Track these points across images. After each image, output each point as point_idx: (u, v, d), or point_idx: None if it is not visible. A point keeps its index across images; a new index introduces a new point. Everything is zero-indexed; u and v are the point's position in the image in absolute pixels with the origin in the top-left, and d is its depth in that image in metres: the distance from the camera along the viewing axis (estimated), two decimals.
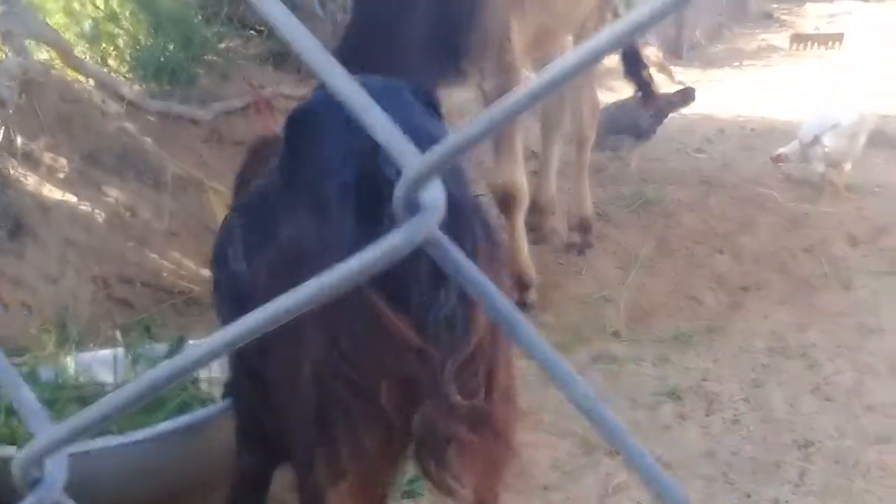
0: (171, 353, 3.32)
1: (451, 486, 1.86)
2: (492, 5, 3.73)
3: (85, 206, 4.46)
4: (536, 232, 5.25)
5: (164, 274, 4.54)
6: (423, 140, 1.59)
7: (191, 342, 3.40)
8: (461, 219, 1.77)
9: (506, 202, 4.25)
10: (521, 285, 4.50)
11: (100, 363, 3.24)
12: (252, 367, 2.22)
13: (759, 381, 3.92)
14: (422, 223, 0.54)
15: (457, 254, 0.56)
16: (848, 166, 6.02)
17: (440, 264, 0.57)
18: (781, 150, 6.25)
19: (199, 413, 2.82)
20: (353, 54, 3.38)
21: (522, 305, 4.42)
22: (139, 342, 3.41)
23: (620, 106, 6.37)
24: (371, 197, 1.75)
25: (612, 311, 4.59)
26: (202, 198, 4.86)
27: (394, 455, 1.93)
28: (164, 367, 0.58)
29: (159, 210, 4.66)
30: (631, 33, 0.50)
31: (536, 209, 5.23)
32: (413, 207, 0.54)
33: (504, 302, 0.57)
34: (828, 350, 4.13)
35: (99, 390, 3.09)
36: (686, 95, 6.33)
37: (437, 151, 0.53)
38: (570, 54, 0.51)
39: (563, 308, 4.60)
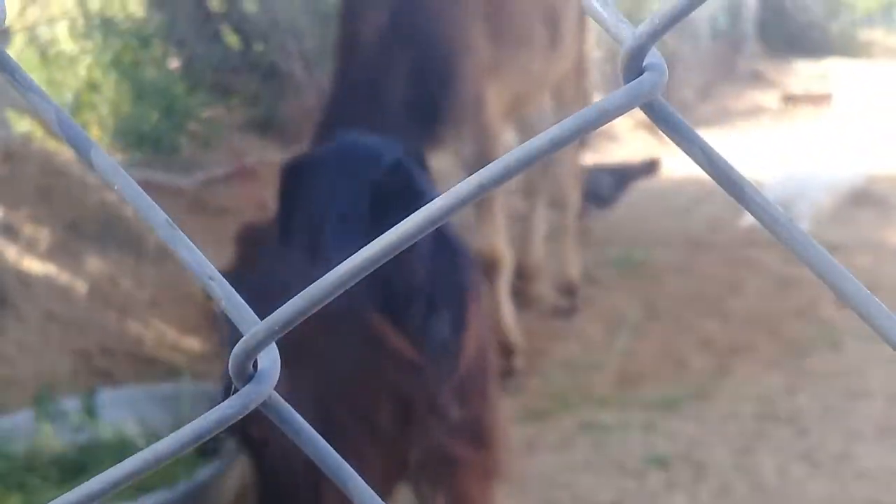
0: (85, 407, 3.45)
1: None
2: (468, 72, 3.77)
3: (66, 278, 4.44)
4: (523, 296, 5.22)
5: (146, 344, 4.50)
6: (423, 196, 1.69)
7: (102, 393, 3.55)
8: (459, 259, 1.91)
9: (488, 267, 4.24)
10: (507, 351, 4.47)
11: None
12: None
13: (748, 448, 3.87)
14: (258, 391, 0.56)
15: (296, 417, 0.58)
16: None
17: (279, 426, 0.57)
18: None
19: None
20: (337, 119, 3.41)
21: (509, 372, 4.38)
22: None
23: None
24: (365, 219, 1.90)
25: (599, 376, 4.55)
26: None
27: (394, 475, 2.02)
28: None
29: (141, 280, 4.64)
30: (597, 120, 0.53)
31: (523, 274, 5.21)
32: (248, 375, 0.56)
33: (342, 466, 0.58)
34: (817, 414, 4.09)
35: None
36: (651, 166, 6.31)
37: (273, 319, 0.56)
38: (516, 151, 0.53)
39: (550, 373, 4.56)
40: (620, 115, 0.54)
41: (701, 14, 12.49)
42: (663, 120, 0.55)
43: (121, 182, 0.60)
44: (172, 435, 0.56)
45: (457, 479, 2.07)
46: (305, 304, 0.56)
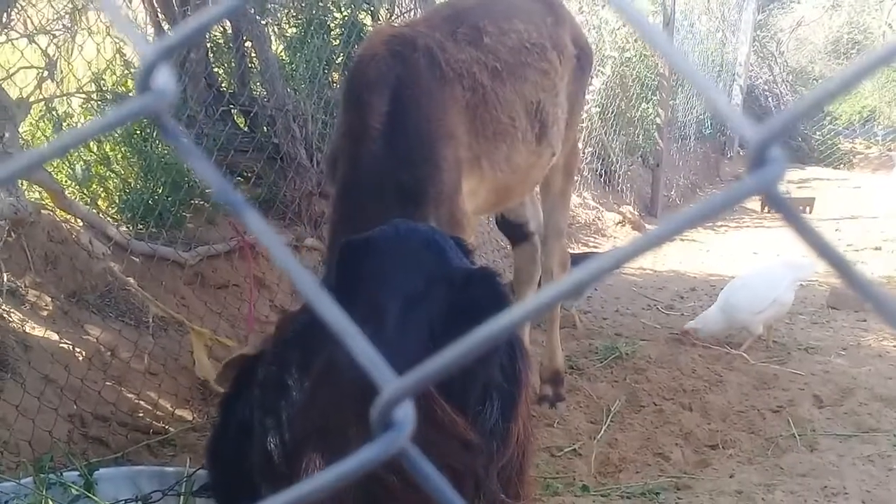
0: (84, 482, 3.57)
1: None
2: (447, 159, 3.90)
3: (66, 345, 4.53)
4: None
5: (140, 414, 4.58)
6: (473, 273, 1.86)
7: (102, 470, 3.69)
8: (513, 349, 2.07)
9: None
10: (557, 380, 5.21)
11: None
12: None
13: None
14: (395, 438, 0.64)
15: (426, 465, 0.66)
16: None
17: (412, 472, 0.66)
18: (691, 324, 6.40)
19: None
20: (350, 210, 3.63)
21: (559, 396, 5.19)
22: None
23: None
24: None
25: (582, 464, 4.65)
26: (183, 339, 4.95)
27: None
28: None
29: (139, 350, 4.73)
30: (725, 204, 0.62)
31: None
32: (387, 424, 0.65)
33: None
34: None
35: None
36: None
37: (412, 377, 0.64)
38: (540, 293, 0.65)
39: (535, 461, 4.64)
40: (744, 200, 0.64)
41: (689, 118, 12.81)
42: (780, 207, 0.63)
43: (273, 246, 0.71)
44: (316, 476, 0.66)
45: None
46: (439, 366, 0.65)
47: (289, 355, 2.34)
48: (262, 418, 2.34)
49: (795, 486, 4.41)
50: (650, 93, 11.35)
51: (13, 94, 4.59)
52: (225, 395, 2.85)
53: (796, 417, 5.15)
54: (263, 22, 6.03)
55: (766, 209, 11.78)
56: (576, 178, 9.46)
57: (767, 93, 15.87)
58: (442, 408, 2.03)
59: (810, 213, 11.55)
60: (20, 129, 4.72)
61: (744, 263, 8.69)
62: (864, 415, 5.18)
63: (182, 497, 3.47)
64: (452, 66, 4.08)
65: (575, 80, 4.93)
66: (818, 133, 15.84)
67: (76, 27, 5.14)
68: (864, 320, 7.07)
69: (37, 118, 5.21)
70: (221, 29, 6.19)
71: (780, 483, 4.45)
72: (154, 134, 5.34)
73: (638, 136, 11.29)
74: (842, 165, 15.34)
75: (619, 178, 10.65)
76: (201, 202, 5.54)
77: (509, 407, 2.15)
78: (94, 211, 5.11)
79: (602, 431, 4.97)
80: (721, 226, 10.95)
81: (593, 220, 9.61)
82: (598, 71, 9.98)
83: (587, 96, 9.72)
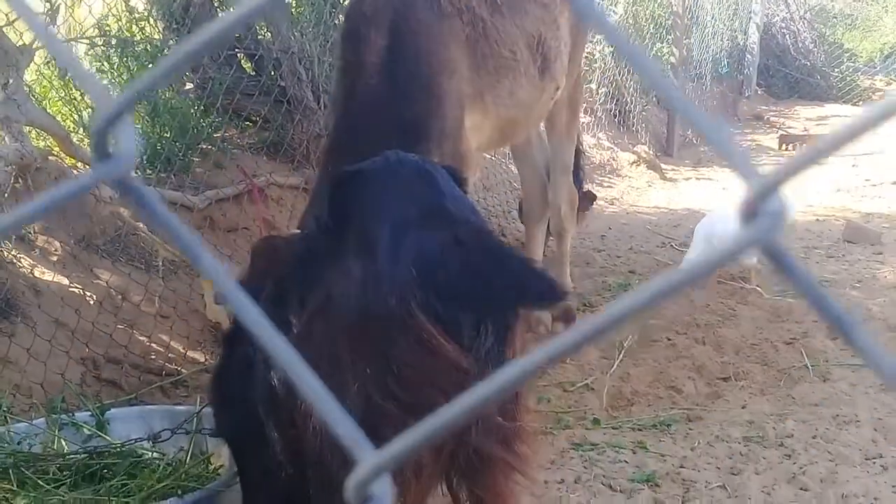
0: (96, 422, 3.61)
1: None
2: (450, 94, 3.86)
3: (76, 289, 4.55)
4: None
5: (153, 356, 4.61)
6: (467, 208, 1.86)
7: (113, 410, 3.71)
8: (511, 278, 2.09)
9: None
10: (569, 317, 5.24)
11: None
12: (268, 417, 2.35)
13: (736, 469, 3.97)
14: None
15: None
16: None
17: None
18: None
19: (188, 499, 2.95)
20: (346, 138, 3.60)
21: None
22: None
23: None
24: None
25: (593, 398, 4.66)
26: (194, 282, 4.97)
27: (436, 472, 2.17)
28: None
29: (150, 293, 4.75)
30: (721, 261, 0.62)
31: None
32: (365, 499, 0.63)
33: None
34: (804, 440, 4.18)
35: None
36: (586, 198, 6.29)
37: (389, 452, 0.64)
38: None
39: (547, 395, 4.66)
40: (741, 253, 0.62)
41: (704, 56, 12.67)
42: (778, 261, 0.62)
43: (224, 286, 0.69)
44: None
45: (489, 476, 2.25)
46: (417, 439, 0.64)
47: (287, 289, 2.33)
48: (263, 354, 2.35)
49: (807, 416, 4.41)
50: (664, 32, 11.22)
51: (15, 40, 4.58)
52: (228, 331, 2.86)
53: (809, 349, 5.13)
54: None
55: (783, 147, 11.67)
56: (590, 118, 9.43)
57: (785, 30, 15.65)
58: (432, 334, 2.04)
59: None
60: (24, 76, 4.71)
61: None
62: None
63: (191, 435, 3.48)
64: (451, 1, 4.03)
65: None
66: (837, 70, 15.63)
67: None
68: (881, 253, 7.03)
69: (41, 63, 5.20)
70: None
71: (791, 413, 4.45)
72: None
73: None
74: (861, 102, 15.13)
75: (633, 118, 10.57)
76: (209, 146, 5.53)
77: (504, 333, 2.15)
78: None
79: (615, 366, 4.97)
80: None
81: (608, 160, 9.55)
82: (610, 10, 9.87)
83: (599, 36, 9.64)
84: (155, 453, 3.50)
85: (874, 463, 3.99)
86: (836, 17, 17.58)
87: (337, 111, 3.79)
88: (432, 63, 3.87)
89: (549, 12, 4.58)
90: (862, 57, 16.40)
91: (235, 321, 2.79)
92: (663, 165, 10.17)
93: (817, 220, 8.08)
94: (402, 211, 2.19)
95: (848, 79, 15.49)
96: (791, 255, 0.62)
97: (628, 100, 10.45)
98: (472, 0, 4.15)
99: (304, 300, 2.25)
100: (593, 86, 9.62)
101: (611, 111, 10.25)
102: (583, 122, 9.29)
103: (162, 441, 3.53)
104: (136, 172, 5.10)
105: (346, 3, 6.35)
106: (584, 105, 9.28)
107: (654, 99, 11.31)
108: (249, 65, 6.14)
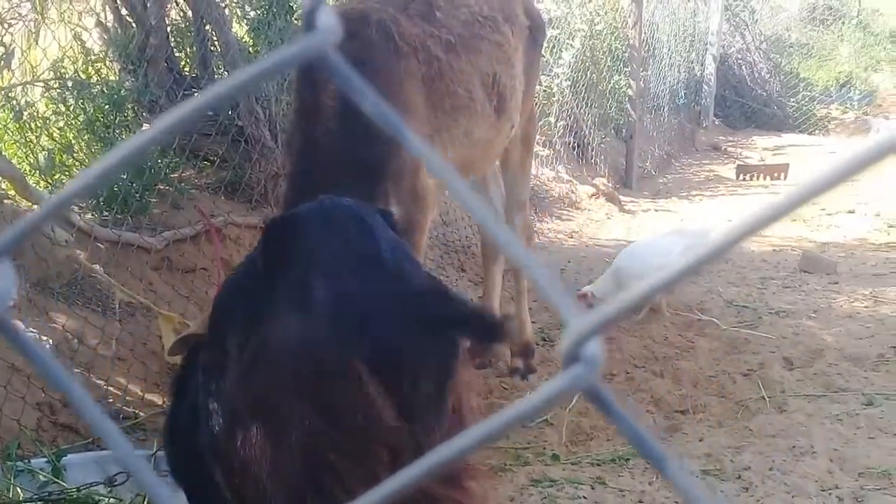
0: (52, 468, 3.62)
1: None
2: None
3: (33, 333, 4.52)
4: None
5: (110, 399, 4.58)
6: (402, 254, 1.88)
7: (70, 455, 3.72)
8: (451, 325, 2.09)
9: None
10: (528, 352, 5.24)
11: None
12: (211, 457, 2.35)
13: None
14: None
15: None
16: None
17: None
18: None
19: None
20: (304, 185, 3.60)
21: (530, 369, 5.26)
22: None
23: None
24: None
25: (553, 434, 4.67)
26: (151, 324, 4.94)
27: None
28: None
29: (107, 336, 4.73)
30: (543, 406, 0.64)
31: None
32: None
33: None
34: (762, 472, 4.21)
35: None
36: None
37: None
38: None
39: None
40: (562, 398, 0.65)
41: (661, 88, 12.81)
42: (598, 402, 0.65)
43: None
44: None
45: None
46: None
47: (226, 338, 2.34)
48: (205, 400, 2.36)
49: (764, 447, 4.45)
50: (621, 64, 11.33)
51: None
52: (176, 376, 2.85)
53: (766, 380, 5.19)
54: (223, 4, 6.01)
55: (741, 177, 11.80)
56: (548, 151, 9.49)
57: (741, 61, 15.86)
58: (369, 385, 2.05)
59: (784, 179, 11.57)
60: None
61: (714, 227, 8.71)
62: (834, 375, 5.22)
63: None
64: (407, 41, 4.06)
65: (529, 51, 4.93)
66: (793, 100, 15.84)
67: (33, 15, 5.12)
68: (836, 283, 7.12)
69: None
70: (181, 13, 6.17)
71: (748, 445, 4.49)
72: (116, 120, 5.32)
73: (610, 109, 11.27)
74: (817, 131, 15.34)
75: (592, 150, 10.64)
76: (166, 187, 5.52)
77: (444, 379, 2.16)
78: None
79: (574, 401, 4.98)
80: (696, 195, 10.97)
81: (567, 193, 9.61)
82: (568, 44, 9.96)
83: (557, 69, 9.73)
84: (111, 499, 3.48)
85: (830, 494, 4.02)
86: (792, 47, 17.84)
87: (294, 154, 3.79)
88: (389, 103, 3.87)
89: (503, 51, 4.61)
90: (818, 86, 16.63)
91: (182, 367, 2.80)
92: (622, 197, 10.25)
93: (774, 250, 8.17)
94: (337, 259, 2.19)
95: (804, 108, 15.70)
96: (611, 397, 0.65)
97: (587, 132, 10.53)
98: (428, 39, 4.17)
99: (242, 346, 2.25)
100: (552, 119, 9.68)
101: (569, 144, 10.32)
102: (542, 156, 9.38)
103: (118, 485, 3.52)
104: (93, 215, 5.11)
105: None
106: (544, 138, 9.38)
107: (613, 131, 11.42)
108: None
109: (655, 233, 8.05)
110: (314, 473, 2.03)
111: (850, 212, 9.66)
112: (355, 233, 2.24)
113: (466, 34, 4.38)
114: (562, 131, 9.98)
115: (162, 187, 5.50)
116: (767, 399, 4.97)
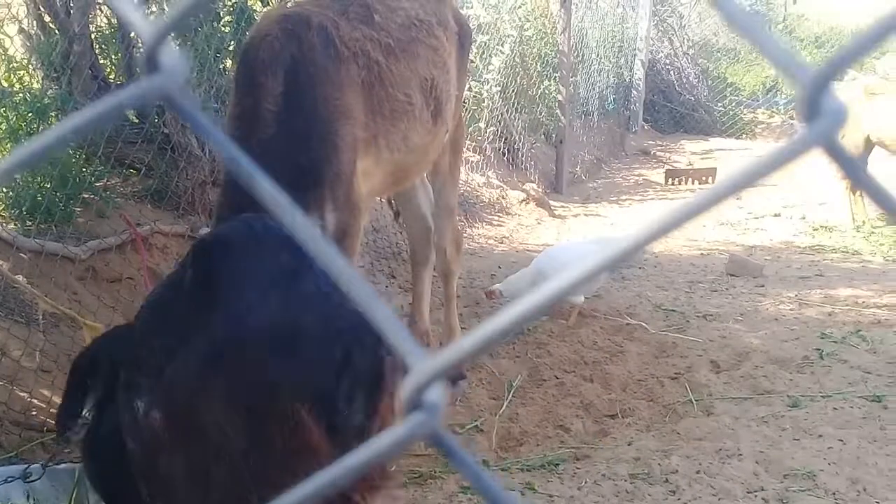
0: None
1: None
2: (345, 139, 3.86)
3: None
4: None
5: (34, 412, 4.50)
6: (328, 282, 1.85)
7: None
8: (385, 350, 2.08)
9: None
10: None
11: None
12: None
13: None
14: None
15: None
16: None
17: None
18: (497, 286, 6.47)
19: None
20: (237, 191, 3.55)
21: (462, 376, 5.03)
22: None
23: None
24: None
25: (483, 440, 4.69)
26: (76, 335, 4.86)
27: None
28: None
29: (30, 348, 4.64)
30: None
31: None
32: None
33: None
34: (689, 475, 4.25)
35: None
36: None
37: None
38: None
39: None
40: (405, 447, 0.66)
41: (591, 94, 12.92)
42: (441, 447, 0.66)
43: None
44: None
45: None
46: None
47: (149, 357, 2.30)
48: (126, 417, 2.33)
49: (691, 451, 4.50)
50: (551, 70, 11.40)
51: None
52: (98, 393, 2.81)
53: (693, 383, 5.25)
54: (148, 11, 5.93)
55: (669, 181, 11.93)
56: (479, 157, 9.52)
57: (669, 66, 16.07)
58: (300, 413, 2.05)
59: (713, 182, 11.71)
60: None
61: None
62: (760, 377, 5.30)
63: (71, 492, 3.42)
64: (347, 45, 4.03)
65: (459, 56, 4.95)
66: (720, 104, 16.08)
67: None
68: (763, 286, 7.23)
69: None
70: (106, 20, 6.08)
71: (676, 448, 4.53)
72: (39, 129, 5.23)
73: (540, 114, 11.34)
74: (744, 135, 15.59)
75: (522, 155, 10.70)
76: (91, 196, 5.43)
77: (371, 403, 2.15)
78: None
79: (504, 406, 5.01)
80: (626, 199, 11.08)
81: (497, 198, 9.65)
82: (497, 50, 10.00)
83: (487, 75, 9.76)
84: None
85: (756, 496, 4.07)
86: (719, 52, 18.09)
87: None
88: (329, 109, 3.85)
89: (440, 55, 4.62)
90: (745, 91, 16.90)
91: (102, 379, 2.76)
92: (552, 202, 10.31)
93: (701, 254, 8.28)
94: (269, 284, 2.17)
95: (731, 112, 15.94)
96: (454, 441, 0.65)
97: (517, 138, 10.58)
98: (367, 44, 4.15)
99: (163, 369, 2.22)
100: (482, 125, 9.71)
101: (500, 149, 10.36)
102: (472, 161, 9.40)
103: (34, 480, 3.47)
104: (15, 225, 5.02)
105: (234, 48, 6.34)
106: (474, 144, 9.41)
107: (543, 136, 11.49)
108: (132, 112, 6.06)
109: (585, 237, 8.13)
110: (235, 493, 2.02)
111: (776, 215, 9.84)
112: (288, 257, 2.22)
113: (404, 38, 4.38)
114: (492, 137, 10.01)
115: (87, 196, 5.41)
116: (695, 402, 5.04)
